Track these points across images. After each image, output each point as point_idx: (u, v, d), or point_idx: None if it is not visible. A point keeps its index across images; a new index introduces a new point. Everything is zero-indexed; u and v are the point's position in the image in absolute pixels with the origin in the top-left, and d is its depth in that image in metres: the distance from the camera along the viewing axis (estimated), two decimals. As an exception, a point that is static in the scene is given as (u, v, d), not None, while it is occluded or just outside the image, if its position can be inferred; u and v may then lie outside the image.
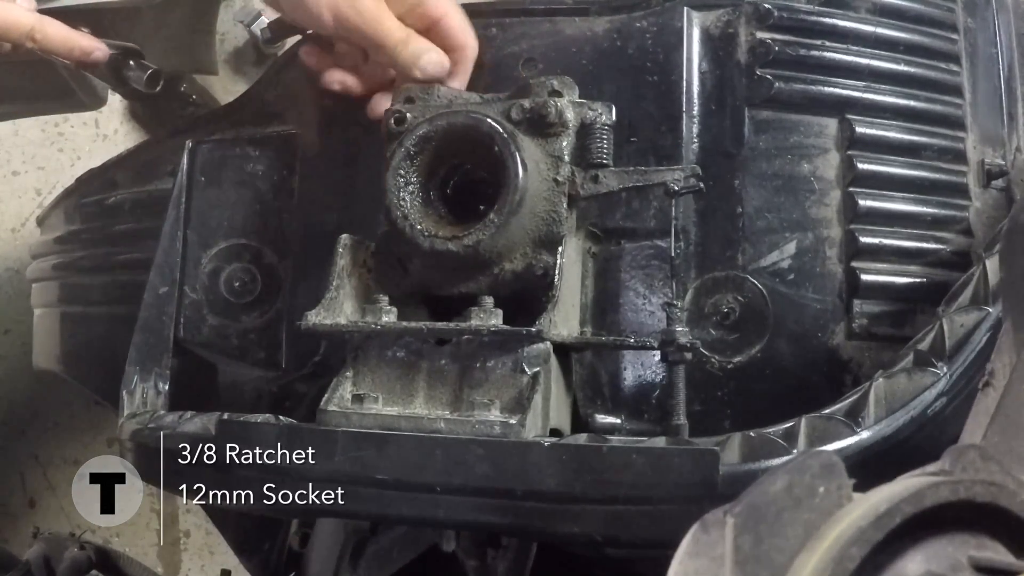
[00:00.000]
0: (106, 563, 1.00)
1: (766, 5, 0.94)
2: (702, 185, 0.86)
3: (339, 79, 0.98)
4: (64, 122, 2.05)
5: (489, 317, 0.81)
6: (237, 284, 1.04)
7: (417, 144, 0.87)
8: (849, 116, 0.93)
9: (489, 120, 0.85)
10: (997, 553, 0.42)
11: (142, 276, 1.06)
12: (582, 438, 0.77)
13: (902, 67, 0.96)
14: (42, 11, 0.97)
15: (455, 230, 0.85)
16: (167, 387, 1.01)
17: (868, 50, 0.95)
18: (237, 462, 0.83)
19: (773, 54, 0.93)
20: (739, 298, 0.91)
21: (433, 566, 0.91)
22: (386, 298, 0.86)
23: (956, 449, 0.43)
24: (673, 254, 0.86)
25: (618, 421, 0.92)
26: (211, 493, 0.89)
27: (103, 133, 2.05)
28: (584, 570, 0.95)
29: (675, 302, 0.84)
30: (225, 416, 0.86)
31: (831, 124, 0.94)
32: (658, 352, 0.84)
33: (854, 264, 0.91)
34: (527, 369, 0.80)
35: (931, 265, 0.93)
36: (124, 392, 1.00)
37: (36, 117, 1.96)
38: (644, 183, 0.87)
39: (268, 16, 1.95)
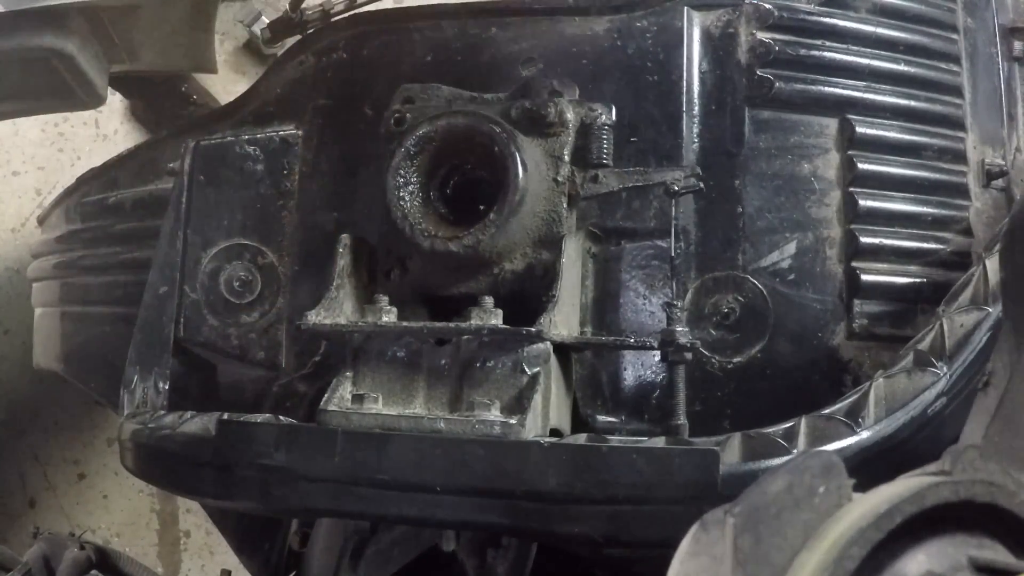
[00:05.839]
0: (106, 563, 1.00)
1: (766, 5, 0.95)
2: (702, 185, 0.86)
3: None
4: (64, 122, 2.05)
5: (489, 317, 0.81)
6: (237, 284, 1.04)
7: (417, 144, 0.87)
8: (849, 116, 0.94)
9: (489, 120, 0.85)
10: (997, 553, 0.42)
11: (142, 276, 1.06)
12: (582, 438, 0.77)
13: (902, 67, 0.96)
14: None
15: (455, 230, 0.85)
16: (167, 387, 1.01)
17: (868, 50, 0.95)
18: (237, 462, 0.83)
19: (773, 54, 0.93)
20: (739, 298, 0.91)
21: (433, 566, 0.91)
22: (386, 298, 0.86)
23: (956, 449, 0.43)
24: (673, 254, 0.86)
25: (618, 421, 0.92)
26: (211, 493, 0.89)
27: (103, 133, 2.05)
28: (584, 570, 0.95)
29: (675, 302, 0.84)
30: (225, 416, 0.86)
31: (831, 124, 0.94)
32: (658, 352, 0.84)
33: (854, 264, 0.91)
34: (527, 369, 0.80)
35: (931, 265, 0.93)
36: (124, 392, 1.00)
37: (36, 117, 1.95)
38: (644, 183, 0.87)
39: (268, 16, 1.95)
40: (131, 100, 2.00)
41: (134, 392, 1.00)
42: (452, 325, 0.82)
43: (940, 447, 0.45)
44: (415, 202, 0.87)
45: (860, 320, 0.90)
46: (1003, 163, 0.98)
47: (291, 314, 1.01)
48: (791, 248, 0.91)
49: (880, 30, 0.96)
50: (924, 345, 0.80)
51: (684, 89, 0.94)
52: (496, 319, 0.81)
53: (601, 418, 0.92)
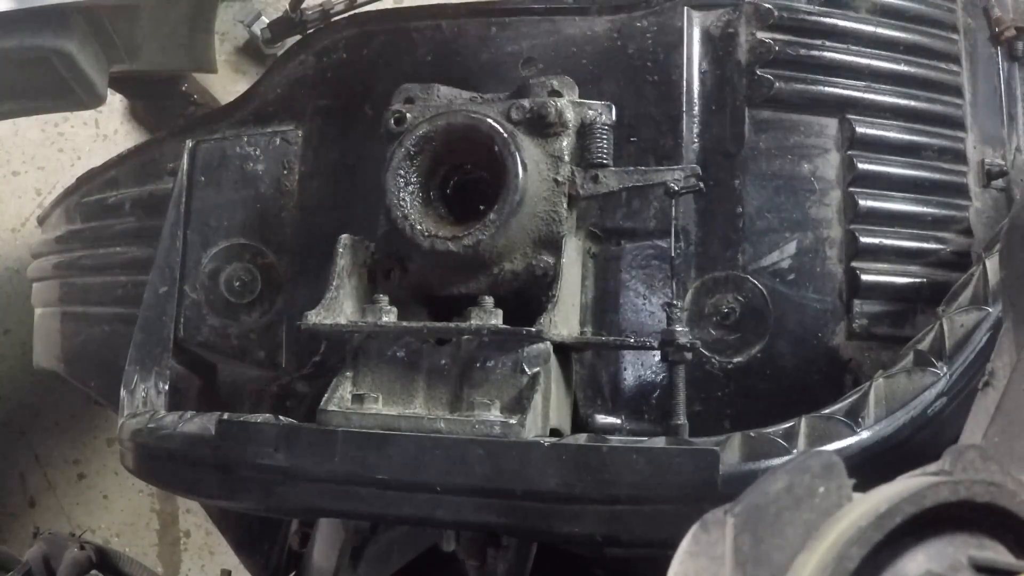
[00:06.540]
0: (106, 563, 1.00)
1: (766, 5, 0.95)
2: (702, 185, 0.86)
3: None
4: (64, 122, 2.05)
5: (489, 317, 0.81)
6: (237, 284, 1.04)
7: (417, 144, 0.87)
8: (849, 116, 0.94)
9: (489, 120, 0.85)
10: (997, 553, 0.42)
11: (142, 276, 1.06)
12: (582, 438, 0.77)
13: (902, 67, 0.96)
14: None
15: (455, 230, 0.85)
16: (167, 387, 1.01)
17: (868, 50, 0.95)
18: (237, 462, 0.83)
19: (773, 54, 0.93)
20: (739, 298, 0.91)
21: (433, 566, 0.91)
22: (386, 298, 0.86)
23: (956, 449, 0.43)
24: (673, 254, 0.86)
25: (618, 421, 0.92)
26: (211, 493, 0.89)
27: (103, 133, 2.05)
28: (584, 570, 0.95)
29: (675, 302, 0.84)
30: (225, 416, 0.86)
31: (831, 124, 0.94)
32: (658, 352, 0.84)
33: (854, 264, 0.91)
34: (527, 369, 0.80)
35: (931, 265, 0.93)
36: (124, 392, 1.00)
37: (36, 117, 1.95)
38: (644, 183, 0.87)
39: (268, 16, 1.95)
40: (131, 100, 2.00)
41: (134, 392, 1.00)
42: (452, 325, 0.83)
43: (940, 447, 0.45)
44: (415, 202, 0.87)
45: (860, 320, 0.90)
46: (1003, 163, 0.98)
47: (291, 314, 1.01)
48: (791, 248, 0.91)
49: (880, 30, 0.96)
50: (924, 345, 0.80)
51: (684, 89, 0.94)
52: (496, 319, 0.81)
53: (601, 418, 0.92)
